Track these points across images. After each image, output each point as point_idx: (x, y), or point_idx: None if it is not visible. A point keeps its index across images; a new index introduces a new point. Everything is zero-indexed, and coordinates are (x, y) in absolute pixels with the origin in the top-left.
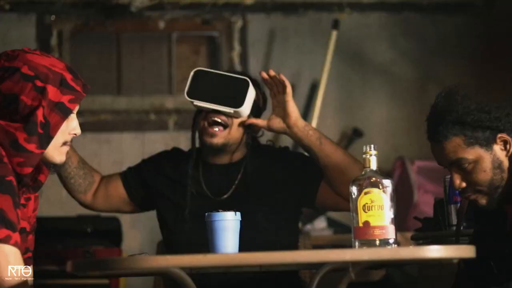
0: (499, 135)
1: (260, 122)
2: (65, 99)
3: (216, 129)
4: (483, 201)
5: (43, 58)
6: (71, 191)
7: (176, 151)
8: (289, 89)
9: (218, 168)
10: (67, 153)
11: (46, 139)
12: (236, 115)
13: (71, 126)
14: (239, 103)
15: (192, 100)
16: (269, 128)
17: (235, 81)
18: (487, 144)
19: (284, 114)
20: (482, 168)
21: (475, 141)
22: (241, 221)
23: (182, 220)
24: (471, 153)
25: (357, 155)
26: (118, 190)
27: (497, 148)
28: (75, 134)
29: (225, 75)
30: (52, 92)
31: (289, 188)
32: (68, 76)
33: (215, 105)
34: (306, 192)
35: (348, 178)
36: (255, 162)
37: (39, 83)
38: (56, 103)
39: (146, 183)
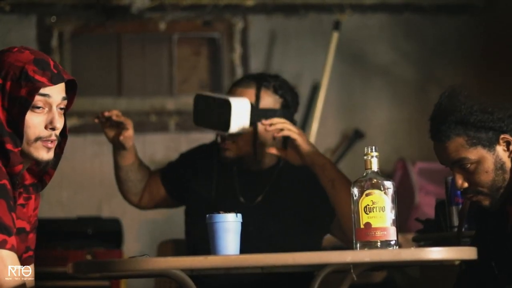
0: (502, 136)
1: (279, 153)
2: (23, 91)
3: (227, 143)
4: (486, 202)
5: (14, 55)
6: (125, 192)
7: (206, 147)
8: (293, 135)
9: (252, 174)
10: (53, 150)
11: (17, 136)
12: (235, 135)
13: (46, 120)
14: (226, 127)
15: (197, 125)
16: (288, 160)
17: (221, 104)
18: (490, 144)
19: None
20: (484, 169)
21: (477, 141)
22: (266, 228)
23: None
24: (474, 153)
25: (358, 157)
26: (158, 187)
27: (500, 149)
28: (53, 128)
29: (213, 98)
30: (11, 87)
31: (312, 208)
32: (30, 68)
33: (211, 129)
34: (323, 219)
35: (350, 224)
36: (288, 170)
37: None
38: (16, 97)
39: (182, 179)
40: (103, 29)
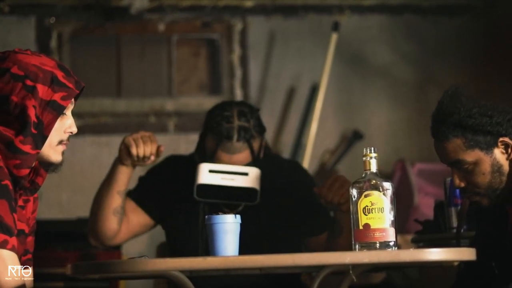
0: (501, 139)
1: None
2: (57, 96)
3: None
4: (484, 202)
5: (34, 58)
6: (114, 224)
7: (174, 158)
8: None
9: None
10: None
11: (40, 139)
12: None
13: (66, 124)
14: (254, 199)
15: (204, 199)
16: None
17: (244, 190)
18: (488, 147)
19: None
20: (481, 171)
21: (475, 144)
22: (253, 232)
23: (196, 231)
24: (471, 155)
25: (357, 158)
26: (134, 210)
27: (498, 152)
28: (71, 132)
29: (234, 188)
30: (43, 90)
31: (294, 215)
32: (59, 74)
33: (235, 202)
34: (304, 229)
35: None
36: (267, 175)
37: (29, 82)
38: (48, 102)
39: (158, 195)
40: (102, 30)
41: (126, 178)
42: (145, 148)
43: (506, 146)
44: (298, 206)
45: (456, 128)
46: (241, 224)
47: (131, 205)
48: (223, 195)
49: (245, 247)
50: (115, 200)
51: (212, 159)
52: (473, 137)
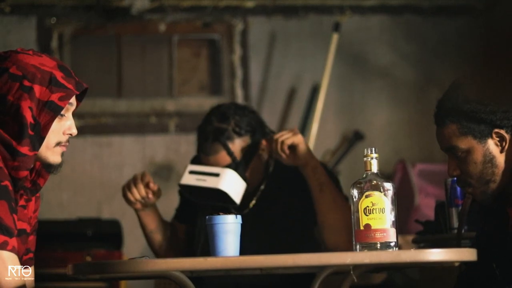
0: (496, 130)
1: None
2: (54, 97)
3: None
4: (477, 196)
5: (34, 58)
6: (172, 248)
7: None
8: (295, 140)
9: None
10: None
11: (37, 140)
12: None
13: (65, 125)
14: (233, 203)
15: (199, 200)
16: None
17: (213, 191)
18: (481, 136)
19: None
20: (472, 160)
21: (468, 131)
22: (262, 233)
23: (199, 235)
24: (464, 142)
25: (358, 158)
26: (183, 230)
27: (492, 143)
28: (71, 134)
29: (202, 188)
30: (40, 91)
31: (297, 210)
32: (58, 74)
33: (220, 203)
34: (307, 218)
35: (330, 234)
36: (275, 178)
37: (26, 83)
38: (46, 102)
39: (185, 204)
40: (103, 30)
41: (149, 218)
42: (138, 190)
43: (501, 138)
44: (298, 200)
45: (452, 113)
46: (248, 224)
47: (180, 227)
48: (205, 195)
49: (253, 245)
50: (155, 238)
51: (199, 160)
52: (467, 124)
